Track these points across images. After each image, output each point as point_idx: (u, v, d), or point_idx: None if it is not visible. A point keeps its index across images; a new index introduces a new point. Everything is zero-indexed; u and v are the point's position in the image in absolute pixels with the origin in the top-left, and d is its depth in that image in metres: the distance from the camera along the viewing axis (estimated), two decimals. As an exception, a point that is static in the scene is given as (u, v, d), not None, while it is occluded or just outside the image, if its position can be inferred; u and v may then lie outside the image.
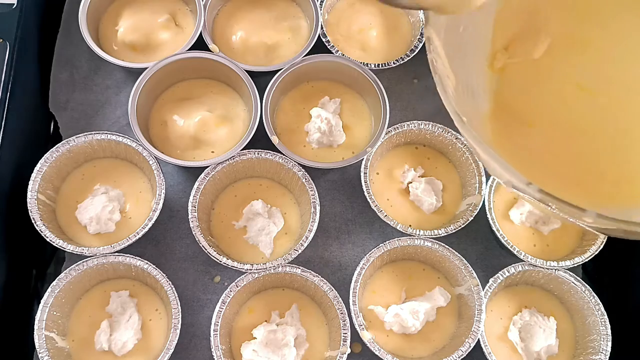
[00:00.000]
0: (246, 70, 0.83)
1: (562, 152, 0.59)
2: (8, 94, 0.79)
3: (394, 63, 0.88)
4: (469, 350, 0.75)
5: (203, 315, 0.80)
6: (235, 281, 0.76)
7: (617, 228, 0.46)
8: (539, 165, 0.56)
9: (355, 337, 0.75)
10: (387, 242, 0.78)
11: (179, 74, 0.86)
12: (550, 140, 0.60)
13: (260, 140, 0.81)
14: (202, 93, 0.86)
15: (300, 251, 0.77)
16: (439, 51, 0.55)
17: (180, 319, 0.74)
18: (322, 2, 0.89)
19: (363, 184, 0.81)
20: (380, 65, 0.87)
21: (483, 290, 0.77)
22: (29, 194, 0.76)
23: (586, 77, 0.60)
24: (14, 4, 0.84)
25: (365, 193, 0.80)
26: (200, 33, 0.86)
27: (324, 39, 0.87)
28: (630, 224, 0.45)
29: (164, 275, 0.75)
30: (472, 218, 0.81)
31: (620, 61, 0.60)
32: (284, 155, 0.81)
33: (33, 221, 0.75)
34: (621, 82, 0.59)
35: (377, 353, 0.74)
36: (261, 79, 0.84)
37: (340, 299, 0.76)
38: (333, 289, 0.76)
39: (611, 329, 0.77)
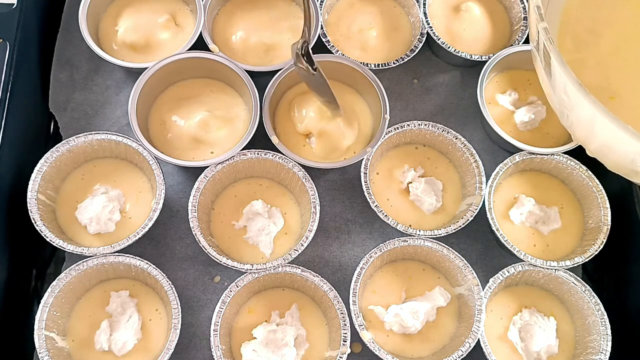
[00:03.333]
0: (246, 70, 0.83)
1: None
2: (8, 94, 0.80)
3: (394, 63, 0.88)
4: (469, 350, 0.75)
5: (203, 315, 0.80)
6: (235, 281, 0.76)
7: None
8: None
9: (355, 337, 0.75)
10: (387, 242, 0.78)
11: (179, 74, 0.86)
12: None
13: (260, 140, 0.81)
14: (202, 93, 0.86)
15: (300, 251, 0.77)
16: None
17: (180, 319, 0.74)
18: (322, 2, 0.89)
19: (363, 184, 0.81)
20: (380, 65, 0.87)
21: (483, 290, 0.77)
22: (29, 194, 0.76)
23: None
24: (14, 4, 0.84)
25: (365, 193, 0.80)
26: (200, 33, 0.86)
27: (324, 39, 0.87)
28: None
29: (164, 275, 0.75)
30: (472, 218, 0.81)
31: None
32: (284, 155, 0.81)
33: (33, 221, 0.75)
34: None
35: (377, 353, 0.74)
36: (261, 79, 0.84)
37: (340, 299, 0.76)
38: (333, 289, 0.76)
39: (611, 329, 0.77)
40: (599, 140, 0.56)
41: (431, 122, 0.85)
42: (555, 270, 0.79)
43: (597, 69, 0.62)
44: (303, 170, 0.80)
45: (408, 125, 0.84)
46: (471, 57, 0.89)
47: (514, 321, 0.79)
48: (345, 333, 0.74)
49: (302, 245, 0.77)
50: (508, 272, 0.79)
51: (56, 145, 0.79)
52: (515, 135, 0.85)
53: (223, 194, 0.84)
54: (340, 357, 0.73)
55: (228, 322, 0.77)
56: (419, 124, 0.85)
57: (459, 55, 0.89)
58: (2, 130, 0.78)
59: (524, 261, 0.79)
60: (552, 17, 0.62)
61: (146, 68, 0.82)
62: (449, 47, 0.89)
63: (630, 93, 0.60)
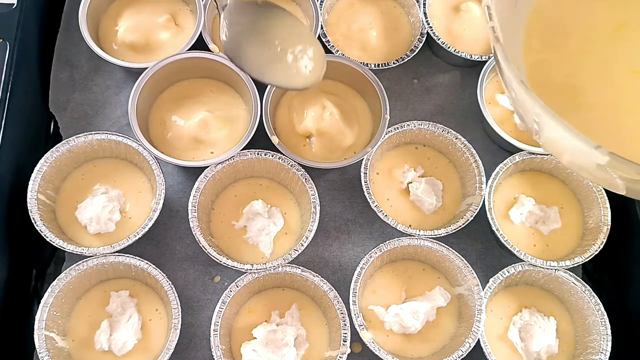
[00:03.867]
0: (246, 70, 0.83)
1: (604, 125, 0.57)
2: (8, 94, 0.79)
3: (394, 63, 0.88)
4: (469, 350, 0.75)
5: (203, 315, 0.80)
6: (235, 281, 0.76)
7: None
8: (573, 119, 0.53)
9: (355, 337, 0.75)
10: (387, 242, 0.78)
11: (179, 74, 0.86)
12: (594, 111, 0.59)
13: (260, 140, 0.81)
14: (202, 93, 0.86)
15: (300, 251, 0.77)
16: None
17: (180, 319, 0.74)
18: (322, 2, 0.89)
19: (363, 184, 0.81)
20: (380, 65, 0.87)
21: (483, 290, 0.77)
22: (29, 194, 0.76)
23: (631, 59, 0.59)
24: (14, 4, 0.84)
25: (365, 193, 0.80)
26: (200, 33, 0.86)
27: (324, 39, 0.87)
28: None
29: (164, 275, 0.75)
30: (472, 218, 0.81)
31: None
32: (284, 155, 0.81)
33: (33, 221, 0.75)
34: None
35: (377, 353, 0.74)
36: (261, 79, 0.84)
37: (340, 299, 0.76)
38: (333, 289, 0.76)
39: (611, 329, 0.77)
40: (555, 146, 0.56)
41: (431, 122, 0.85)
42: (555, 270, 0.79)
43: (563, 69, 0.62)
44: (303, 170, 0.80)
45: (408, 125, 0.84)
46: (471, 57, 0.89)
47: (514, 321, 0.79)
48: (345, 333, 0.74)
49: (302, 245, 0.77)
50: (508, 272, 0.79)
51: (56, 145, 0.79)
52: (515, 135, 0.85)
53: (223, 194, 0.84)
54: (340, 357, 0.73)
55: (228, 322, 0.77)
56: (419, 124, 0.85)
57: (459, 55, 0.89)
58: (2, 130, 0.78)
59: (524, 261, 0.79)
60: (520, 17, 0.62)
61: (146, 68, 0.82)
62: (449, 47, 0.89)
63: (594, 93, 0.60)
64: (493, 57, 0.60)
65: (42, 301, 0.73)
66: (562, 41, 0.63)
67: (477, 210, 0.81)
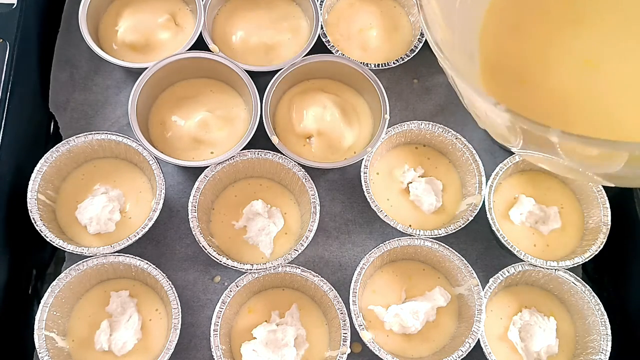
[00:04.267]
0: (246, 70, 0.83)
1: (552, 113, 0.58)
2: (8, 94, 0.80)
3: (394, 63, 0.88)
4: (469, 350, 0.75)
5: (203, 315, 0.80)
6: (235, 281, 0.76)
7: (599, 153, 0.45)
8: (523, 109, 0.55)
9: (355, 337, 0.75)
10: (387, 242, 0.78)
11: (179, 74, 0.86)
12: (541, 98, 0.59)
13: (260, 140, 0.81)
14: (202, 93, 0.86)
15: (300, 251, 0.77)
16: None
17: (180, 319, 0.74)
18: (322, 2, 0.89)
19: (363, 184, 0.81)
20: (380, 65, 0.87)
21: (483, 290, 0.77)
22: (29, 194, 0.76)
23: (586, 50, 0.60)
24: (14, 4, 0.84)
25: (365, 193, 0.80)
26: (200, 33, 0.86)
27: (324, 39, 0.87)
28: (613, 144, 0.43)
29: (164, 275, 0.75)
30: (472, 218, 0.81)
31: (615, 35, 0.60)
32: (284, 155, 0.81)
33: (33, 221, 0.75)
34: (617, 54, 0.60)
35: (377, 353, 0.74)
36: (261, 79, 0.84)
37: (340, 299, 0.76)
38: (333, 289, 0.76)
39: (611, 329, 0.77)
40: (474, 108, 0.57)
41: (431, 122, 0.85)
42: (555, 270, 0.79)
43: (518, 56, 0.62)
44: (303, 170, 0.80)
45: (408, 125, 0.84)
46: (471, 57, 0.89)
47: (514, 321, 0.79)
48: (345, 333, 0.74)
49: (302, 245, 0.77)
50: (508, 272, 0.79)
51: (56, 145, 0.79)
52: (515, 135, 0.85)
53: (223, 194, 0.84)
54: (340, 357, 0.73)
55: (228, 322, 0.77)
56: (419, 124, 0.85)
57: (459, 55, 0.89)
58: (2, 130, 0.78)
59: (524, 261, 0.79)
60: (476, 12, 0.63)
61: (146, 68, 0.82)
62: (449, 47, 0.89)
63: (545, 75, 0.61)
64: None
65: (42, 301, 0.73)
66: (520, 33, 0.63)
67: (477, 210, 0.81)
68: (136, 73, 0.83)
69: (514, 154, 0.84)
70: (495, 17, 0.64)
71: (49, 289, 0.74)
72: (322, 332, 0.78)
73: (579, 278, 0.79)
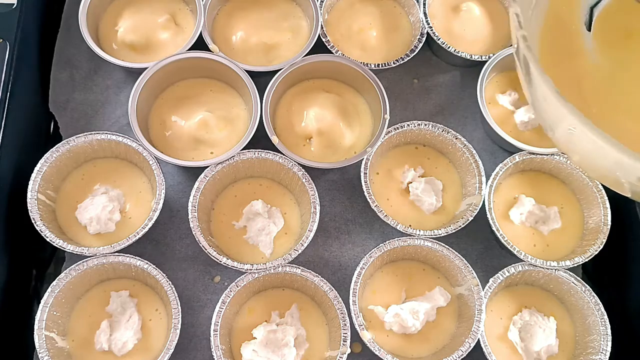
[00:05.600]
0: (246, 70, 0.83)
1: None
2: (8, 94, 0.79)
3: (394, 63, 0.88)
4: (469, 350, 0.75)
5: (203, 315, 0.80)
6: (235, 281, 0.76)
7: None
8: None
9: (355, 337, 0.75)
10: (387, 242, 0.78)
11: (179, 74, 0.86)
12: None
13: (260, 140, 0.81)
14: (202, 93, 0.86)
15: (300, 251, 0.77)
16: None
17: (180, 319, 0.74)
18: (322, 2, 0.89)
19: (363, 184, 0.81)
20: (380, 65, 0.87)
21: (483, 290, 0.77)
22: (29, 194, 0.76)
23: None
24: (14, 4, 0.84)
25: (365, 193, 0.80)
26: (200, 33, 0.86)
27: (324, 39, 0.87)
28: None
29: (164, 275, 0.75)
30: (472, 218, 0.81)
31: None
32: (284, 155, 0.81)
33: (33, 221, 0.75)
34: None
35: (377, 353, 0.74)
36: (261, 79, 0.84)
37: (340, 299, 0.76)
38: (333, 289, 0.76)
39: (611, 329, 0.77)
40: (580, 151, 0.55)
41: (431, 122, 0.85)
42: (555, 270, 0.79)
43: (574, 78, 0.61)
44: (303, 170, 0.80)
45: (408, 125, 0.84)
46: (471, 57, 0.89)
47: (514, 321, 0.79)
48: (345, 333, 0.74)
49: (302, 245, 0.77)
50: (508, 272, 0.79)
51: (56, 145, 0.79)
52: (515, 135, 0.85)
53: (223, 194, 0.84)
54: (340, 357, 0.73)
55: (228, 322, 0.77)
56: (419, 124, 0.85)
57: (459, 55, 0.89)
58: (2, 130, 0.78)
59: (524, 261, 0.79)
60: (536, 20, 0.62)
61: (146, 68, 0.82)
62: (449, 47, 0.89)
63: (602, 104, 0.60)
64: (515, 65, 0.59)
65: (42, 301, 0.73)
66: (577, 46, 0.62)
67: (477, 210, 0.81)
68: (136, 73, 0.83)
69: (514, 153, 0.84)
70: None
71: (49, 289, 0.73)
72: (322, 332, 0.78)
73: (579, 278, 0.79)
